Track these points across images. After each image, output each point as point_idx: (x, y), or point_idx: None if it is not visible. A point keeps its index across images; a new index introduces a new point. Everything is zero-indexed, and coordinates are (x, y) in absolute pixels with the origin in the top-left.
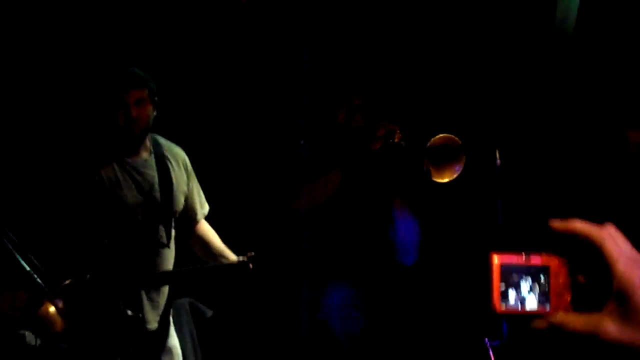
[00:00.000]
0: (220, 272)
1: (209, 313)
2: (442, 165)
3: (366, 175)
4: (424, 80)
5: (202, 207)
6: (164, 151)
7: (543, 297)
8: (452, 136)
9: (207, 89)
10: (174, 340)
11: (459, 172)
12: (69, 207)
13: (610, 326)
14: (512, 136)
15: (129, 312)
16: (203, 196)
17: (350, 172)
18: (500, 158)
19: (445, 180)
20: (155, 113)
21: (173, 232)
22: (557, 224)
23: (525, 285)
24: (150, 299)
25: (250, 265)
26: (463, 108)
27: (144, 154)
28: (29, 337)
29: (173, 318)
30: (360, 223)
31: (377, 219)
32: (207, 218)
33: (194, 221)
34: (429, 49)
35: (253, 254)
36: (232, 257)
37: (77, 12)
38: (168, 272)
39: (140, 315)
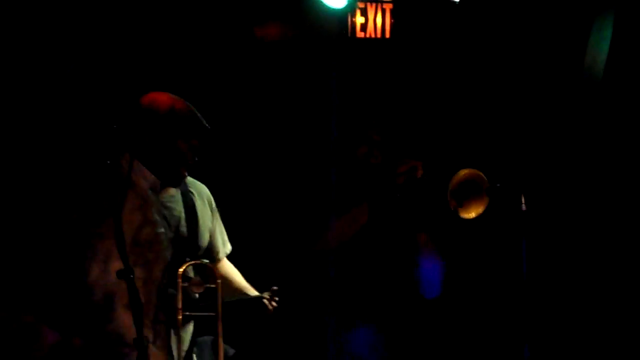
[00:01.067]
0: (243, 306)
1: (232, 352)
2: (468, 200)
3: (390, 211)
4: (449, 118)
5: (225, 246)
6: (189, 187)
7: None
8: (477, 171)
9: (234, 125)
10: None
11: (484, 207)
12: (95, 239)
13: None
14: (538, 181)
15: (154, 348)
16: (226, 235)
17: (375, 208)
18: (525, 203)
19: (472, 215)
20: None
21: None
22: None
23: None
24: (176, 334)
25: (273, 301)
26: (489, 149)
27: (172, 190)
28: None
29: (195, 355)
30: (385, 260)
31: (402, 256)
32: (231, 258)
33: (216, 259)
34: (457, 87)
35: (276, 288)
36: (255, 293)
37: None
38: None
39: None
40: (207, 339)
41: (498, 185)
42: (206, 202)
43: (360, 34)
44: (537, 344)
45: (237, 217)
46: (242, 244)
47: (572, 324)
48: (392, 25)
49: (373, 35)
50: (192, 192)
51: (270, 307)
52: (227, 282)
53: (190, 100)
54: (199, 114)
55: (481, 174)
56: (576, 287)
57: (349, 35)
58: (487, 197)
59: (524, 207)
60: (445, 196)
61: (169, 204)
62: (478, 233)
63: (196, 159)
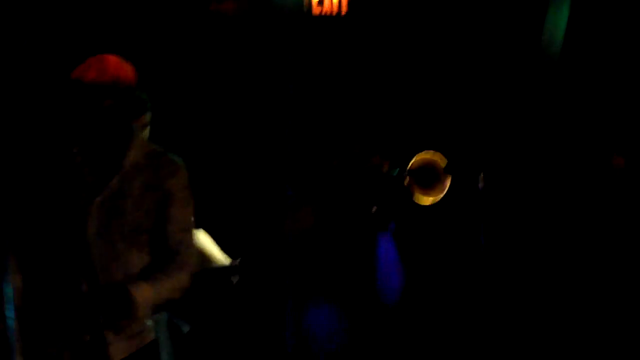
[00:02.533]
0: (213, 275)
1: (187, 328)
2: (427, 187)
3: (351, 204)
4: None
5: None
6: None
7: None
8: (435, 158)
9: (196, 105)
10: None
11: (443, 193)
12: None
13: None
14: (496, 159)
15: None
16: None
17: (338, 198)
18: (484, 181)
19: (430, 201)
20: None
21: None
22: None
23: None
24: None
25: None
26: (447, 130)
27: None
28: None
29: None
30: (345, 254)
31: (361, 253)
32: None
33: None
34: (412, 68)
35: (239, 260)
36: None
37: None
38: None
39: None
40: (163, 316)
41: (456, 163)
42: None
43: (316, 10)
44: (496, 326)
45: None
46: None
47: (529, 301)
48: (348, 1)
49: (329, 12)
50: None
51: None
52: (203, 252)
53: (147, 78)
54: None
55: (437, 158)
56: (533, 266)
57: (306, 11)
58: (445, 183)
59: (481, 185)
60: (405, 185)
61: None
62: (438, 212)
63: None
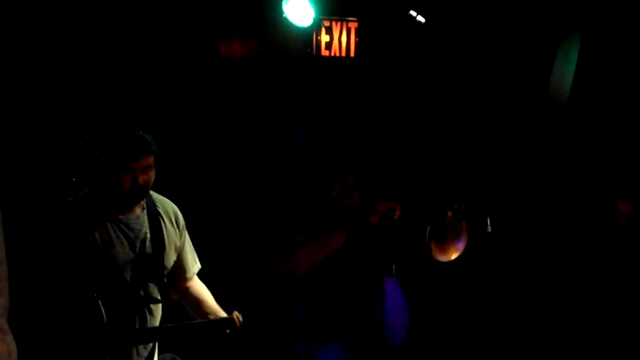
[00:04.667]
0: (206, 329)
1: None
2: (446, 243)
3: (363, 248)
4: (420, 156)
5: (194, 264)
6: (157, 207)
7: None
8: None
9: (203, 145)
10: None
11: (463, 249)
12: (60, 266)
13: None
14: (504, 204)
15: None
16: (195, 253)
17: (350, 239)
18: (491, 225)
19: (453, 258)
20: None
21: (164, 288)
22: None
23: None
24: (139, 354)
25: (238, 323)
26: (456, 176)
27: (137, 210)
28: None
29: None
30: (352, 288)
31: (368, 295)
32: (200, 276)
33: (185, 278)
34: (419, 112)
35: (240, 314)
36: (223, 315)
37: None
38: (155, 329)
39: None
40: (167, 357)
41: (464, 207)
42: (174, 220)
43: (325, 52)
44: None
45: (206, 235)
46: (211, 262)
47: (536, 343)
48: (357, 43)
49: (338, 54)
50: (159, 211)
51: (238, 326)
52: (196, 301)
53: (156, 120)
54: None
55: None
56: (540, 308)
57: (314, 53)
58: (465, 238)
59: (489, 228)
60: (423, 240)
61: (133, 225)
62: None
63: (148, 180)
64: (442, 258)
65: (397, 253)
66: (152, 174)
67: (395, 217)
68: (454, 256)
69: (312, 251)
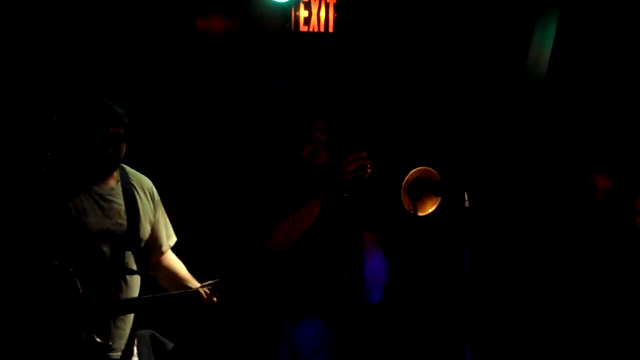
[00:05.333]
0: (178, 301)
1: (170, 346)
2: (421, 198)
3: (337, 209)
4: (398, 117)
5: (169, 238)
6: (131, 180)
7: None
8: (428, 168)
9: (181, 120)
10: None
11: (438, 203)
12: (34, 235)
13: None
14: (481, 178)
15: (97, 339)
16: (170, 227)
17: (323, 204)
18: (469, 199)
19: (427, 212)
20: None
21: (140, 259)
22: None
23: None
24: (117, 327)
25: (214, 295)
26: (434, 146)
27: (111, 183)
28: None
29: (136, 348)
30: (330, 258)
31: (346, 255)
32: (175, 249)
33: (160, 251)
34: (400, 82)
35: (217, 280)
36: (197, 286)
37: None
38: (133, 300)
39: (110, 343)
40: (146, 332)
41: (448, 181)
42: (148, 194)
43: (303, 28)
44: (478, 341)
45: (182, 210)
46: (188, 236)
47: (513, 320)
48: (335, 19)
49: (316, 29)
50: (133, 185)
51: (205, 297)
52: (171, 275)
53: (132, 97)
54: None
55: (432, 170)
56: (517, 284)
57: (293, 29)
58: (439, 194)
59: (467, 203)
60: (395, 195)
61: (107, 196)
62: (422, 230)
63: (118, 150)
64: (419, 212)
65: (373, 210)
66: (123, 145)
67: (367, 174)
68: (430, 210)
69: (291, 226)
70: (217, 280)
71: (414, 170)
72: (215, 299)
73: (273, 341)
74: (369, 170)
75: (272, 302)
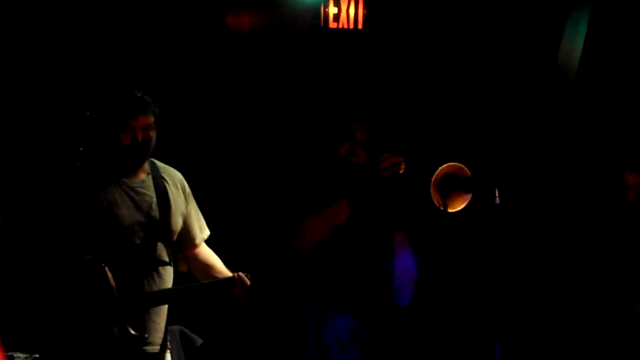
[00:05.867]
0: (213, 290)
1: (199, 342)
2: (451, 195)
3: (370, 207)
4: (429, 116)
5: (202, 231)
6: (162, 173)
7: None
8: (458, 164)
9: (211, 117)
10: None
11: (468, 200)
12: (67, 229)
13: None
14: (512, 175)
15: (132, 332)
16: (203, 220)
17: (355, 204)
18: (499, 197)
19: (458, 209)
20: (156, 137)
21: (172, 252)
22: None
23: None
24: (152, 320)
25: (241, 281)
26: (466, 144)
27: (142, 176)
28: None
29: (169, 343)
30: (360, 255)
31: (377, 253)
32: (210, 243)
33: (193, 245)
34: (435, 84)
35: (245, 274)
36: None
37: (85, 30)
38: (166, 291)
39: (146, 336)
40: (176, 328)
41: (478, 178)
42: (179, 187)
43: (333, 25)
44: (509, 338)
45: (214, 204)
46: (220, 231)
47: (544, 318)
48: (364, 15)
49: (346, 26)
50: (164, 178)
51: (239, 284)
52: (206, 268)
53: (164, 92)
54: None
55: (462, 166)
56: (548, 282)
57: (322, 25)
58: (469, 190)
59: (497, 200)
60: (426, 191)
61: (138, 189)
62: (453, 228)
63: (148, 139)
64: (449, 209)
65: (404, 208)
66: (153, 135)
67: (400, 172)
68: (460, 207)
69: (321, 223)
70: (248, 274)
71: (443, 166)
72: (245, 290)
73: (302, 337)
74: (402, 168)
75: (302, 298)
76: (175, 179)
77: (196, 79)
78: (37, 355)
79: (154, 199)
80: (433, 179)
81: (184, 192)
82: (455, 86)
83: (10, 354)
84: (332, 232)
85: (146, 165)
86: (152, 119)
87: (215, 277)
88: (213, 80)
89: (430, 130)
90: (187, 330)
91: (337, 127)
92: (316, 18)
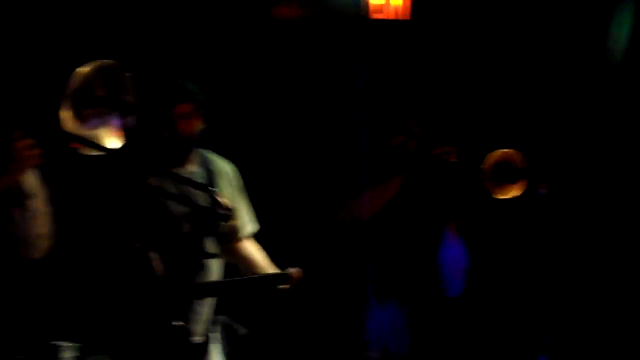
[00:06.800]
0: (262, 283)
1: (243, 331)
2: (505, 183)
3: (421, 197)
4: (480, 106)
5: (250, 224)
6: (211, 166)
7: None
8: (514, 152)
9: (262, 104)
10: (216, 357)
11: (521, 189)
12: (116, 218)
13: None
14: (565, 166)
15: (178, 323)
16: (251, 213)
17: (407, 183)
18: (550, 188)
19: (510, 197)
20: (202, 127)
21: (219, 244)
22: None
23: None
24: (197, 311)
25: (293, 279)
26: (519, 131)
27: (190, 167)
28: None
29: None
30: (412, 246)
31: (428, 244)
32: (257, 236)
33: (240, 238)
34: (487, 74)
35: (299, 271)
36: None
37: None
38: (213, 283)
39: (190, 327)
40: (220, 318)
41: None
42: (228, 179)
43: (378, 15)
44: (556, 331)
45: (266, 194)
46: (272, 223)
47: (591, 313)
48: (410, 6)
49: (391, 17)
50: (213, 169)
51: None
52: (250, 261)
53: (211, 83)
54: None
55: (517, 154)
56: (595, 275)
57: (366, 16)
58: (524, 178)
59: (545, 190)
60: (478, 181)
61: (186, 179)
62: (504, 218)
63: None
64: (501, 197)
65: (456, 199)
66: (197, 123)
67: (451, 160)
68: (512, 195)
69: (371, 198)
70: (293, 269)
71: (497, 152)
72: (294, 286)
73: (358, 326)
74: (453, 157)
75: (358, 286)
76: (225, 171)
77: (245, 71)
78: (81, 344)
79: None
80: (487, 166)
81: (233, 184)
82: (505, 76)
83: (54, 342)
84: (385, 222)
85: (195, 156)
86: (194, 107)
87: (259, 272)
88: (262, 71)
89: (482, 121)
90: (231, 320)
91: (390, 119)
92: (360, 9)
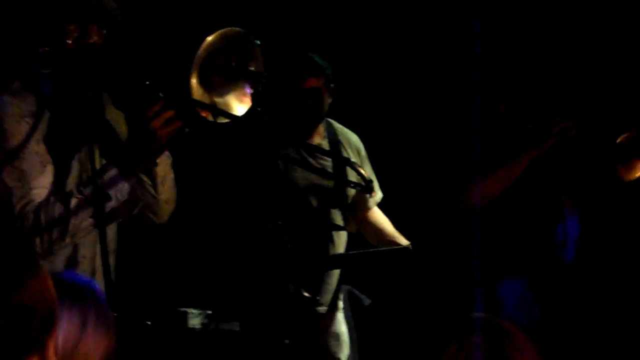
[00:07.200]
0: (387, 257)
1: (367, 301)
2: (633, 160)
3: (541, 169)
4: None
5: (375, 194)
6: (338, 136)
7: None
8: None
9: (383, 79)
10: (342, 326)
11: None
12: (245, 190)
13: None
14: None
15: (305, 294)
16: (376, 183)
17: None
18: None
19: (637, 176)
20: (330, 100)
21: (345, 216)
22: None
23: None
24: (324, 282)
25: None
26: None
27: (317, 139)
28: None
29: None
30: (530, 217)
31: (545, 215)
32: (380, 206)
33: (366, 208)
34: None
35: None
36: (404, 242)
37: None
38: (340, 255)
39: (318, 297)
40: (344, 287)
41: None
42: (355, 150)
43: None
44: None
45: (386, 167)
46: (390, 192)
47: None
48: None
49: None
50: (340, 140)
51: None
52: (377, 231)
53: (327, 51)
54: None
55: None
56: None
57: None
58: None
59: None
60: (601, 157)
61: (314, 153)
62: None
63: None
64: (628, 176)
65: (574, 172)
66: (326, 97)
67: (572, 134)
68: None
69: (490, 185)
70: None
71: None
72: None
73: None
74: (573, 131)
75: (470, 262)
76: (351, 142)
77: (367, 42)
78: (210, 312)
79: (329, 162)
80: (616, 143)
81: (359, 154)
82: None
83: (184, 309)
84: (502, 195)
85: (321, 128)
86: (322, 81)
87: (388, 241)
88: (385, 42)
89: (603, 97)
90: (355, 290)
91: (495, 86)
92: None
